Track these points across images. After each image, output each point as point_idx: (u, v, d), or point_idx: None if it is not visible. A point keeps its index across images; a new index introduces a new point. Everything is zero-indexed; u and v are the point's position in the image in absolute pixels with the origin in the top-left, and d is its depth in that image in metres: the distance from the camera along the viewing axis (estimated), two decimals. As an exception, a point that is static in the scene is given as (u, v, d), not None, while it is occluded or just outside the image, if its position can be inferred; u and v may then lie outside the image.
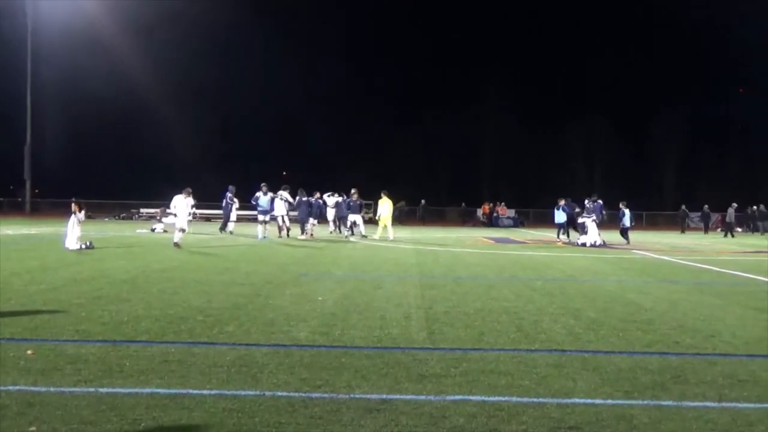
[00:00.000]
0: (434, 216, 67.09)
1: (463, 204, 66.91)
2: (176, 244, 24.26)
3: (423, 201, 64.06)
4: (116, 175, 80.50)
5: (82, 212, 23.37)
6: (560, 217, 35.02)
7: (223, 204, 36.40)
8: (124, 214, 58.63)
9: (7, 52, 69.22)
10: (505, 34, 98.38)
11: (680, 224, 56.03)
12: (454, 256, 24.46)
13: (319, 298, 12.82)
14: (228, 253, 23.23)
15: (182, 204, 25.38)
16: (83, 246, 22.77)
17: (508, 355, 8.49)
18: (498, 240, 36.15)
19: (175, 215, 24.81)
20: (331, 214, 38.91)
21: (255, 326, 10.02)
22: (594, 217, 31.65)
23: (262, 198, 33.60)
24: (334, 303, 12.36)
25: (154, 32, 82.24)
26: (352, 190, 35.74)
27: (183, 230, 24.74)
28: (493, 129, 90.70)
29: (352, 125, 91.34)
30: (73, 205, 23.32)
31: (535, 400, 6.68)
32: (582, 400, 6.71)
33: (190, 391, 6.69)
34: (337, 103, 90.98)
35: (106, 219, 54.85)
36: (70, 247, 22.47)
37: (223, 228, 35.55)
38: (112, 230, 37.14)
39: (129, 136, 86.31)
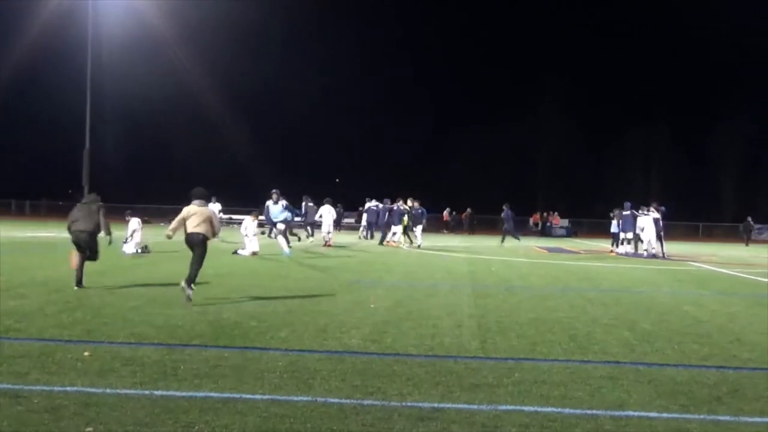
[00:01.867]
0: (484, 225, 66.19)
1: (468, 209, 64.04)
2: (235, 252, 24.55)
3: (469, 209, 63.24)
4: (172, 180, 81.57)
5: (136, 220, 23.80)
6: (616, 227, 34.46)
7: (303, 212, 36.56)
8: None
9: (67, 59, 70.67)
10: (561, 40, 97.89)
11: (745, 236, 53.91)
12: (507, 265, 24.32)
13: (372, 306, 12.85)
14: (280, 259, 23.38)
15: (252, 226, 25.28)
16: (139, 251, 23.16)
17: (561, 366, 8.42)
18: (551, 249, 35.88)
19: (247, 236, 24.95)
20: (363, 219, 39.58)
21: (307, 332, 10.06)
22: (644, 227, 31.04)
23: (273, 207, 30.32)
24: (386, 310, 12.37)
25: (209, 40, 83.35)
26: (409, 200, 35.24)
27: (255, 253, 24.63)
28: (548, 137, 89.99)
29: (402, 133, 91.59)
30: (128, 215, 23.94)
31: (589, 411, 6.60)
32: (636, 413, 6.62)
33: (243, 395, 6.74)
34: (387, 110, 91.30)
35: (162, 224, 55.50)
36: (127, 252, 22.89)
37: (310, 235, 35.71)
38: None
39: (184, 141, 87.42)
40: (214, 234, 13.55)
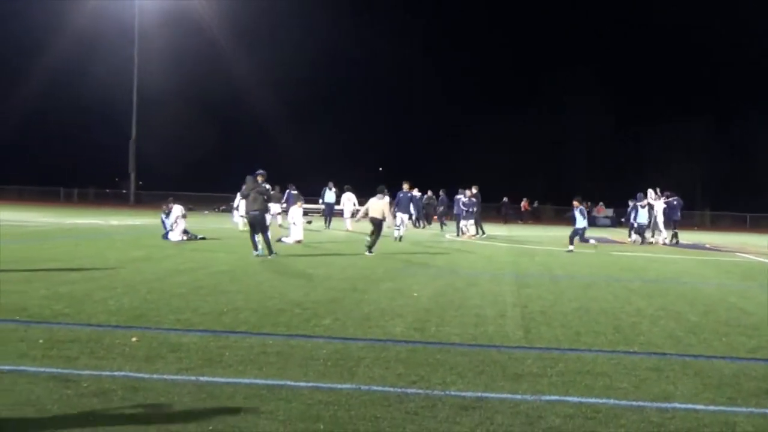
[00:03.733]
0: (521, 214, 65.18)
1: (505, 199, 62.72)
2: (280, 240, 24.68)
3: (505, 199, 61.68)
4: (216, 168, 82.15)
5: (179, 207, 24.01)
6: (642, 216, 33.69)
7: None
8: (223, 207, 59.49)
9: (114, 50, 71.55)
10: (603, 28, 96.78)
11: None
12: (550, 254, 24.16)
13: (415, 294, 12.84)
14: (324, 247, 23.46)
15: (298, 214, 25.38)
16: (184, 238, 23.39)
17: (605, 357, 8.34)
18: (595, 239, 35.50)
19: (294, 223, 25.07)
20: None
21: (351, 320, 10.09)
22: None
23: (328, 193, 36.22)
24: (429, 299, 12.35)
25: (255, 29, 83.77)
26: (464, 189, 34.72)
27: (299, 241, 24.68)
28: (590, 126, 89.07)
29: (441, 122, 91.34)
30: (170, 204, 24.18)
31: (634, 403, 6.54)
32: (683, 405, 6.54)
33: (288, 382, 6.77)
34: (427, 98, 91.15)
35: (206, 212, 55.91)
36: (173, 239, 23.13)
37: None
38: (212, 222, 37.90)
39: (228, 130, 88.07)
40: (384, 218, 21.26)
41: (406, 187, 29.42)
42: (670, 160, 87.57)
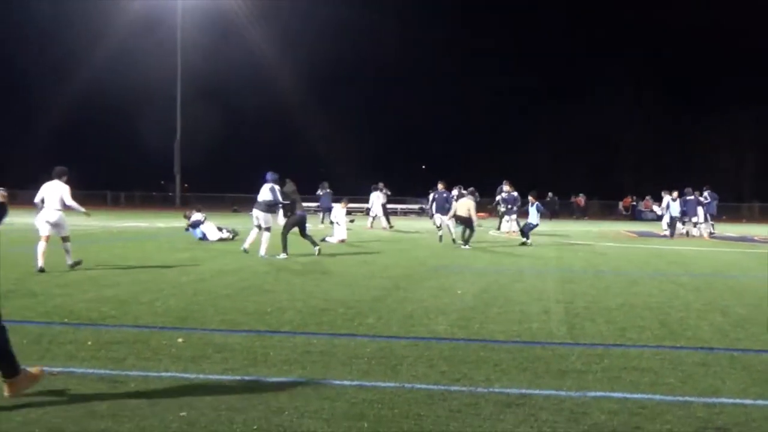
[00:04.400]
0: (567, 210, 64.43)
1: (550, 194, 61.14)
2: (324, 240, 24.82)
3: (550, 194, 60.39)
4: (259, 168, 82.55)
5: (199, 213, 24.45)
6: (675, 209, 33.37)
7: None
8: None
9: (158, 52, 72.31)
10: (649, 18, 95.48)
11: None
12: (595, 250, 23.99)
13: (458, 292, 12.83)
14: (366, 246, 23.51)
15: (341, 214, 25.54)
16: (223, 235, 23.84)
17: (651, 352, 8.26)
18: (641, 234, 35.19)
19: (338, 223, 25.25)
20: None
21: (394, 318, 10.10)
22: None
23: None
24: (473, 296, 12.33)
25: (297, 29, 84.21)
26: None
27: (343, 241, 24.79)
28: (635, 118, 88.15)
29: (482, 115, 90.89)
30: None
31: (680, 398, 6.47)
32: (730, 400, 6.45)
33: (332, 381, 6.80)
34: (467, 90, 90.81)
35: (250, 213, 56.31)
36: (213, 239, 23.53)
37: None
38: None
39: (274, 131, 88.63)
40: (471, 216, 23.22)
41: (441, 186, 28.32)
42: (717, 152, 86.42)
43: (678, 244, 27.72)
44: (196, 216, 24.52)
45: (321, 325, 9.56)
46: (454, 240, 24.01)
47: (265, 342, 8.40)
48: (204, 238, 23.81)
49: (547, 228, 38.33)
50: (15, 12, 76.22)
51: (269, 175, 19.68)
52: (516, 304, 11.58)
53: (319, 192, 37.86)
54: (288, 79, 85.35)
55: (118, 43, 74.31)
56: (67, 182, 15.13)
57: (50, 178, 15.05)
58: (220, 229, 24.25)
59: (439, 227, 26.69)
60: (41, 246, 14.65)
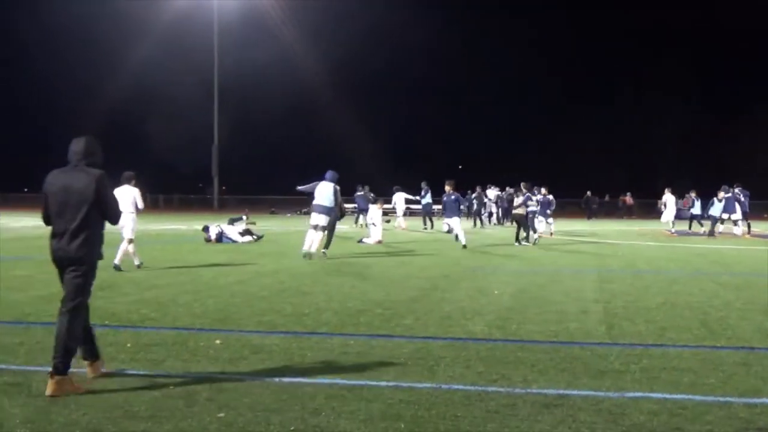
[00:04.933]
0: (605, 208, 63.69)
1: (588, 192, 60.24)
2: (360, 241, 24.87)
3: (588, 192, 59.66)
4: (296, 170, 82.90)
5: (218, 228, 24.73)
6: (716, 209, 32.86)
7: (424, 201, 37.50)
8: (305, 210, 59.77)
9: (194, 57, 72.89)
10: (689, 14, 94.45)
11: None
12: (633, 249, 23.79)
13: (495, 292, 12.78)
14: (404, 247, 23.51)
15: (377, 215, 25.60)
16: (251, 238, 24.17)
17: (691, 352, 8.18)
18: (680, 233, 34.81)
19: (374, 224, 25.34)
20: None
21: (432, 319, 10.10)
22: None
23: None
24: (510, 297, 12.29)
25: (332, 31, 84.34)
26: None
27: (380, 242, 24.83)
28: (674, 115, 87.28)
29: (519, 112, 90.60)
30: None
31: (721, 399, 6.39)
32: (772, 401, 6.37)
33: (368, 382, 6.81)
34: (502, 89, 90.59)
35: (289, 215, 56.50)
36: (241, 240, 23.84)
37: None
38: (294, 225, 38.33)
39: (308, 132, 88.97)
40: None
41: (448, 188, 24.79)
42: (756, 149, 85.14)
43: (718, 243, 27.39)
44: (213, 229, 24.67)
45: (358, 326, 9.58)
46: (465, 246, 22.76)
47: (303, 343, 8.44)
48: (229, 239, 24.10)
49: (584, 227, 38.07)
50: (57, 12, 76.99)
51: (329, 174, 19.40)
52: (553, 304, 11.52)
53: (359, 193, 37.90)
54: (324, 81, 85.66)
55: (155, 44, 74.90)
56: (135, 185, 15.99)
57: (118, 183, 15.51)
58: (243, 234, 24.55)
59: (449, 231, 25.34)
60: (123, 246, 15.82)
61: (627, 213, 60.28)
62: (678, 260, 19.64)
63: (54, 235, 6.66)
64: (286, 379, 6.88)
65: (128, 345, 8.20)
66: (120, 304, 11.10)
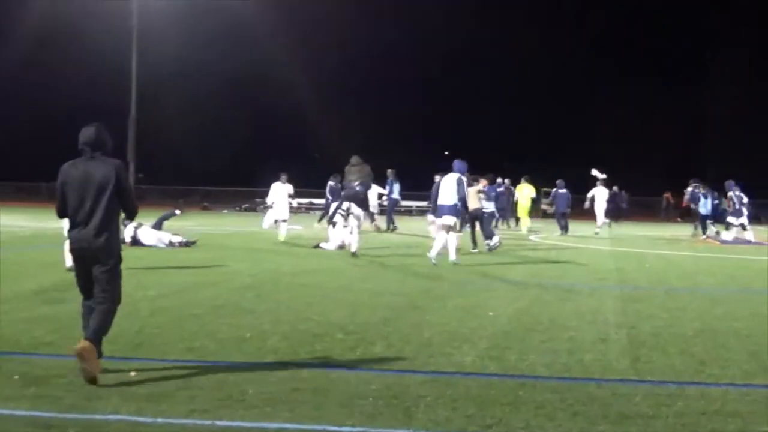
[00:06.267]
0: (638, 208, 64.32)
1: (615, 188, 59.83)
2: (317, 246, 24.84)
3: (615, 188, 59.31)
4: (238, 159, 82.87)
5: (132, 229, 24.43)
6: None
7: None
8: (246, 205, 58.98)
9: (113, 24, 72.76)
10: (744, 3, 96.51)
11: None
12: (666, 260, 23.96)
13: (490, 313, 12.80)
14: (376, 253, 23.46)
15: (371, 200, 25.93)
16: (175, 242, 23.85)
17: (738, 392, 8.22)
18: (725, 241, 35.13)
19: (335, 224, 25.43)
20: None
21: (408, 347, 10.08)
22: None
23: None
24: (508, 319, 12.32)
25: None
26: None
27: (342, 246, 24.76)
28: (721, 105, 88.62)
29: (543, 93, 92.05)
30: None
31: (777, 452, 6.43)
32: (840, 454, 6.42)
33: (327, 427, 6.78)
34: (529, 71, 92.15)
35: (225, 211, 56.26)
36: (161, 246, 23.51)
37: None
38: (233, 225, 38.24)
39: (257, 114, 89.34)
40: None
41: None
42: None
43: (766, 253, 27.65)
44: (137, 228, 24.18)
45: (314, 354, 9.55)
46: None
47: (243, 376, 8.39)
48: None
49: (607, 232, 38.29)
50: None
51: (458, 164, 19.96)
52: (564, 329, 11.55)
53: (331, 183, 37.97)
54: (285, 61, 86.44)
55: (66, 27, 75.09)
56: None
57: None
58: (170, 244, 23.95)
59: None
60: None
61: (672, 213, 60.69)
62: (721, 275, 19.81)
63: (74, 226, 8.18)
64: (221, 423, 6.83)
65: (15, 377, 8.11)
66: (5, 323, 10.98)
